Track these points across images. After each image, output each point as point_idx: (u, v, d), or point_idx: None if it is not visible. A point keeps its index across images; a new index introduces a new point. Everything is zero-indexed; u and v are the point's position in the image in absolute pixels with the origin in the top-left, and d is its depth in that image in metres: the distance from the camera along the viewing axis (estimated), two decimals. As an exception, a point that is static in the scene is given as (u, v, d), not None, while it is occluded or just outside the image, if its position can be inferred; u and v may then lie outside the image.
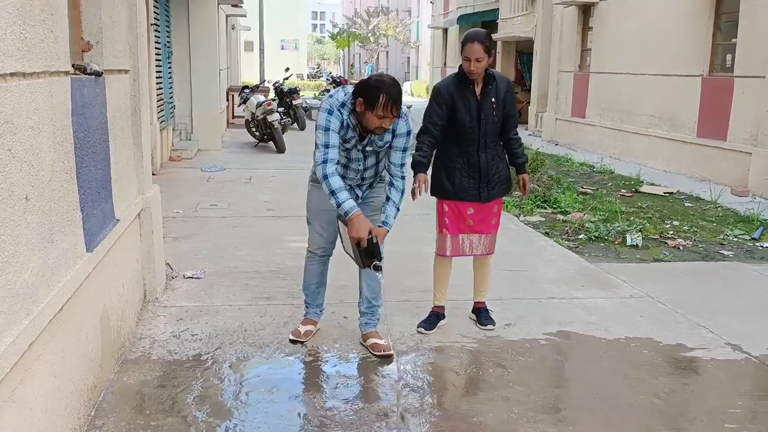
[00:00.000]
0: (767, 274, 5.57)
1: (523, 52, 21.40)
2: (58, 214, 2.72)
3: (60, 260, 2.72)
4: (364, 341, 4.02)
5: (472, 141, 4.03)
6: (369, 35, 47.85)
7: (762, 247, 6.45)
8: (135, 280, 4.25)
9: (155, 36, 10.22)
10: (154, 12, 10.22)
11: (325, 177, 3.53)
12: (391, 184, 3.74)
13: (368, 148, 3.68)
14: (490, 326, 4.31)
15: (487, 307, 4.43)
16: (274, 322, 4.34)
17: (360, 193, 3.87)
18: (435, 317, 4.31)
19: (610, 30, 13.74)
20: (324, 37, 67.86)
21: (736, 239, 6.72)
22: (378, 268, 3.46)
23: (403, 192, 3.72)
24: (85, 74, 3.29)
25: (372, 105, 3.41)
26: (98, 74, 3.43)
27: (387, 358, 3.83)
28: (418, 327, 4.24)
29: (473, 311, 4.46)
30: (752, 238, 6.71)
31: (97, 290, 3.28)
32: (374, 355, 3.90)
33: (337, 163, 3.61)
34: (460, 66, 3.99)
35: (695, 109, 10.87)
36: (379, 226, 3.60)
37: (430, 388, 3.55)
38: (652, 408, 3.36)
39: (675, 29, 11.36)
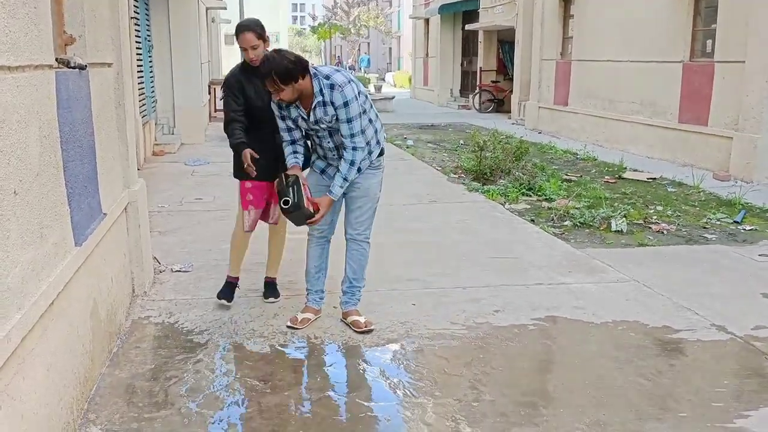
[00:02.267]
0: (749, 257, 5.65)
1: (505, 41, 21.43)
2: (47, 209, 2.71)
3: (50, 255, 2.71)
4: (345, 318, 4.17)
5: (269, 123, 4.07)
6: (350, 26, 47.66)
7: (744, 230, 6.54)
8: (123, 274, 4.24)
9: (135, 30, 10.13)
10: (134, 6, 10.13)
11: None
12: (341, 156, 3.85)
13: (321, 125, 3.79)
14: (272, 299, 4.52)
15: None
16: (264, 314, 4.34)
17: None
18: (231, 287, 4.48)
19: (591, 18, 13.80)
20: (305, 29, 67.58)
21: (718, 223, 6.80)
22: (286, 203, 3.74)
23: (352, 163, 3.81)
24: (69, 68, 3.27)
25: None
26: (82, 67, 3.40)
27: (369, 335, 4.00)
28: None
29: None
30: (734, 222, 6.80)
31: (87, 284, 3.27)
32: (355, 331, 4.04)
33: (312, 142, 3.96)
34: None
35: (676, 95, 10.96)
36: (325, 196, 3.86)
37: (421, 374, 3.57)
38: (641, 389, 3.41)
39: (655, 16, 11.43)
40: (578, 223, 6.62)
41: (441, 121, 18.40)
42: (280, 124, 3.94)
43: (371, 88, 24.94)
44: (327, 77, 3.72)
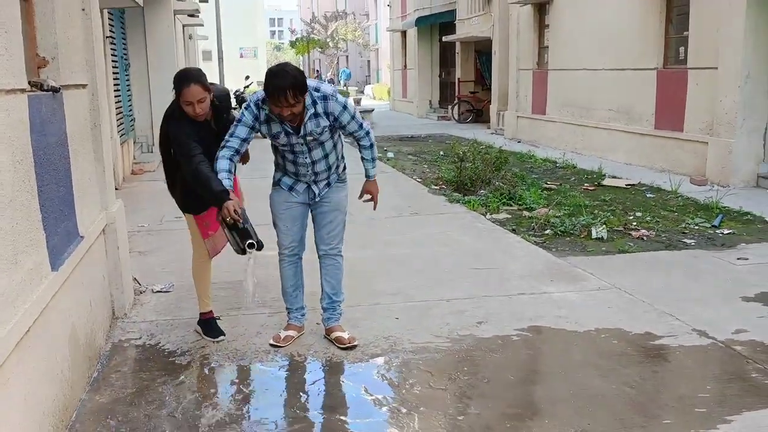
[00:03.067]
0: (728, 260, 5.71)
1: (482, 51, 21.60)
2: (21, 234, 2.67)
3: (25, 281, 2.67)
4: (329, 335, 4.14)
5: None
6: (328, 40, 47.79)
7: (722, 234, 6.60)
8: (103, 297, 4.19)
9: (111, 49, 10.08)
10: (109, 25, 10.09)
11: (216, 159, 3.73)
12: (360, 145, 4.00)
13: (308, 138, 3.77)
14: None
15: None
16: (247, 332, 4.31)
17: (317, 191, 3.99)
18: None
19: (565, 27, 13.95)
20: (283, 43, 67.63)
21: (697, 227, 6.87)
22: (252, 246, 3.69)
23: (371, 144, 4.01)
24: (42, 90, 3.25)
25: (267, 96, 3.61)
26: (55, 90, 3.38)
27: (353, 350, 3.98)
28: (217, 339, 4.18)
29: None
30: (712, 226, 6.87)
31: (65, 309, 3.23)
32: (339, 347, 4.02)
33: (284, 158, 3.90)
34: (180, 106, 3.81)
35: (652, 102, 11.09)
36: (369, 181, 4.10)
37: (405, 389, 3.56)
38: (625, 397, 3.42)
39: (629, 24, 11.58)
40: (559, 232, 6.66)
41: (421, 133, 18.46)
42: (233, 141, 3.76)
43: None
44: (317, 89, 3.75)
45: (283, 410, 3.38)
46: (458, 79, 22.83)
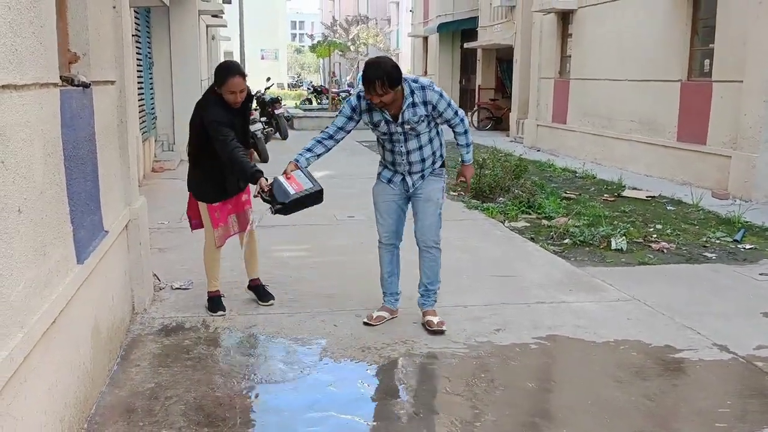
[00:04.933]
0: (750, 275, 5.65)
1: (503, 59, 21.56)
2: (50, 227, 2.70)
3: (52, 272, 2.70)
4: (423, 318, 4.44)
5: None
6: (349, 44, 47.91)
7: (744, 248, 6.54)
8: (124, 291, 4.23)
9: (136, 47, 10.18)
10: (135, 23, 10.19)
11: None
12: (455, 132, 4.27)
13: (406, 126, 4.09)
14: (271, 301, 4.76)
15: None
16: (265, 331, 4.33)
17: (410, 182, 4.29)
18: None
19: (588, 36, 13.90)
20: (303, 46, 67.91)
21: (718, 241, 6.81)
22: (271, 210, 4.04)
23: (466, 131, 4.28)
24: (73, 86, 3.29)
25: (362, 83, 3.97)
26: (86, 86, 3.42)
27: (370, 353, 3.92)
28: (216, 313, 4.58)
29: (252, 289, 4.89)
30: (734, 240, 6.80)
31: (88, 302, 3.26)
32: (427, 330, 4.31)
33: (383, 149, 4.28)
34: (216, 93, 4.30)
35: (675, 114, 11.01)
36: (464, 166, 4.42)
37: (422, 394, 3.56)
38: (644, 409, 3.40)
39: (653, 35, 11.52)
40: (578, 242, 6.62)
41: (440, 139, 18.41)
42: (330, 128, 4.22)
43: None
44: (415, 81, 4.13)
45: (297, 411, 3.39)
46: (478, 86, 22.80)
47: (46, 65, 2.70)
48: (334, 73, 48.94)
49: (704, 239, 6.88)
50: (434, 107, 4.08)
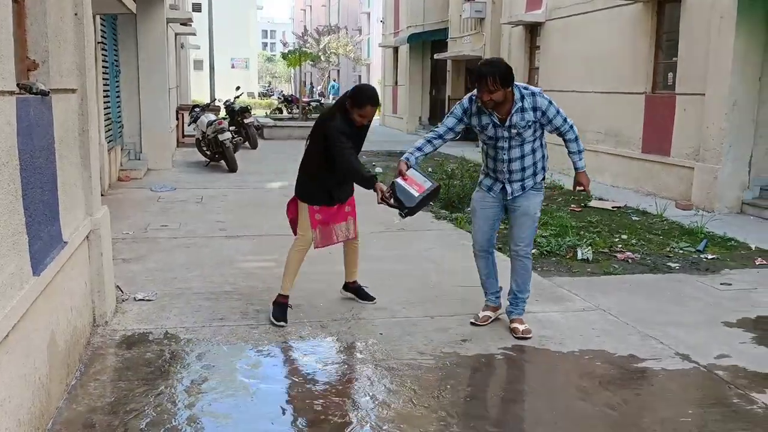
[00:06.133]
0: (712, 285, 5.74)
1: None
2: (3, 238, 2.64)
3: (5, 285, 2.63)
4: (510, 324, 4.55)
5: None
6: (320, 54, 47.90)
7: (706, 258, 6.64)
8: (84, 303, 4.14)
9: (102, 54, 10.05)
10: (101, 30, 10.06)
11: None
12: (566, 140, 4.37)
13: (513, 131, 4.21)
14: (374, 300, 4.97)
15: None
16: (229, 343, 4.27)
17: (510, 190, 4.40)
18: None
19: (556, 49, 14.07)
20: (275, 55, 67.74)
21: (681, 251, 6.91)
22: (403, 215, 4.22)
23: (576, 137, 4.38)
24: (31, 94, 3.22)
25: (475, 80, 4.19)
26: (44, 94, 3.35)
27: (336, 365, 3.85)
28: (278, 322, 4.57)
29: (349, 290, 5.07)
30: (697, 250, 6.91)
31: (45, 315, 3.19)
32: (513, 336, 4.42)
33: (486, 155, 4.45)
34: (345, 108, 4.50)
35: (639, 126, 11.18)
36: (579, 173, 4.47)
37: (388, 406, 3.53)
38: (607, 419, 3.42)
39: (618, 48, 11.69)
40: (545, 252, 6.67)
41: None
42: (440, 127, 4.45)
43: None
44: (526, 87, 4.26)
45: (262, 426, 3.34)
46: (448, 96, 22.92)
47: (1, 72, 2.64)
48: (304, 83, 48.93)
49: (668, 249, 6.98)
50: (544, 113, 4.20)
